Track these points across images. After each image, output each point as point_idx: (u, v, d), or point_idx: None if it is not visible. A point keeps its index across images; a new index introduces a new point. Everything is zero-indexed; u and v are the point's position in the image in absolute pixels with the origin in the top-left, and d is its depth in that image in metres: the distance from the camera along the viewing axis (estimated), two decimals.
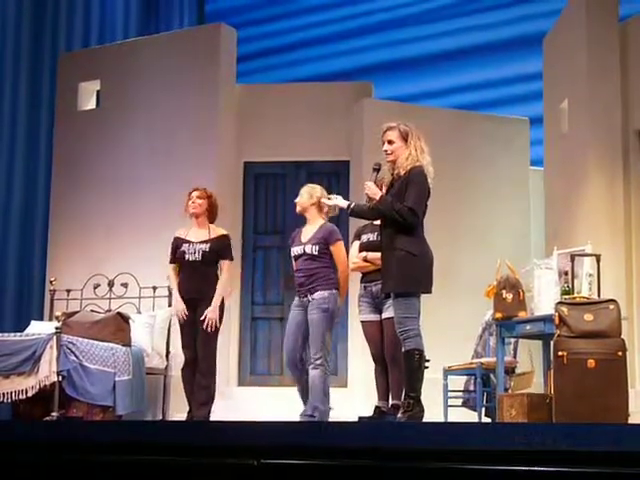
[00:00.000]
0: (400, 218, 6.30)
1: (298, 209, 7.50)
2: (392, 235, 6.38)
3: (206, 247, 7.77)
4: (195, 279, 7.73)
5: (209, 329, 7.58)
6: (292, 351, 7.32)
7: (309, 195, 7.47)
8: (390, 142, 6.49)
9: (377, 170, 6.57)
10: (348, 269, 7.39)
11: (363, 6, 13.83)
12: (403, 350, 6.39)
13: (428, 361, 6.75)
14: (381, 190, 6.52)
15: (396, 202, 6.32)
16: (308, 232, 7.43)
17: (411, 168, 6.38)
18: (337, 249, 7.35)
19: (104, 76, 10.70)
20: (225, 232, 8.01)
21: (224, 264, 7.90)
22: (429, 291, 6.47)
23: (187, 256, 7.76)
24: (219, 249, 7.86)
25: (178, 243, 7.87)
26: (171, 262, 7.93)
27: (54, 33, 11.75)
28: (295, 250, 7.40)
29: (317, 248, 7.29)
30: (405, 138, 6.47)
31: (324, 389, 7.18)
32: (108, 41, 12.17)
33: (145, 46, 10.75)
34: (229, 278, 7.99)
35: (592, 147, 8.93)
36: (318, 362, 7.19)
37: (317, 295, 7.22)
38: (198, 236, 7.87)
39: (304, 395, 7.27)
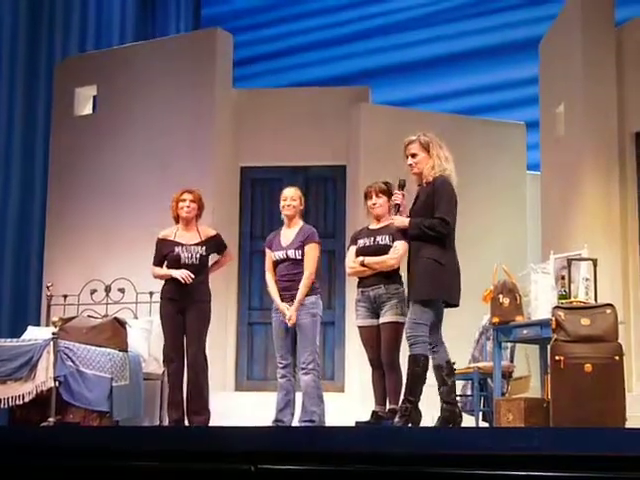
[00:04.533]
0: (434, 233, 6.33)
1: (291, 212, 7.52)
2: (419, 245, 6.40)
3: (202, 250, 7.81)
4: (189, 282, 7.71)
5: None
6: (287, 353, 7.33)
7: (301, 200, 7.55)
8: (413, 155, 6.53)
9: (403, 186, 6.65)
10: (313, 275, 7.37)
11: (360, 11, 13.85)
12: (409, 354, 6.37)
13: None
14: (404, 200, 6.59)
15: (425, 220, 6.35)
16: (289, 235, 7.48)
17: (436, 177, 6.42)
18: (309, 249, 7.38)
19: (100, 81, 10.69)
20: (213, 231, 8.07)
21: (226, 253, 8.12)
22: (456, 302, 6.49)
23: (182, 259, 7.76)
24: (216, 249, 7.98)
25: (166, 245, 7.86)
26: (156, 265, 7.91)
27: (50, 38, 11.76)
28: (277, 255, 7.43)
29: (300, 252, 7.35)
30: (427, 149, 6.51)
31: (318, 393, 7.19)
32: (104, 46, 12.18)
33: (141, 51, 10.75)
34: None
35: (588, 151, 8.93)
36: (310, 367, 7.20)
37: (305, 300, 7.26)
38: (189, 238, 7.86)
39: (286, 402, 7.27)
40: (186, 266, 7.74)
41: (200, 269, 7.79)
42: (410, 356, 6.37)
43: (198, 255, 7.78)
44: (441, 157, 6.50)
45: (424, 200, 6.45)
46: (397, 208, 6.60)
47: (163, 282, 7.90)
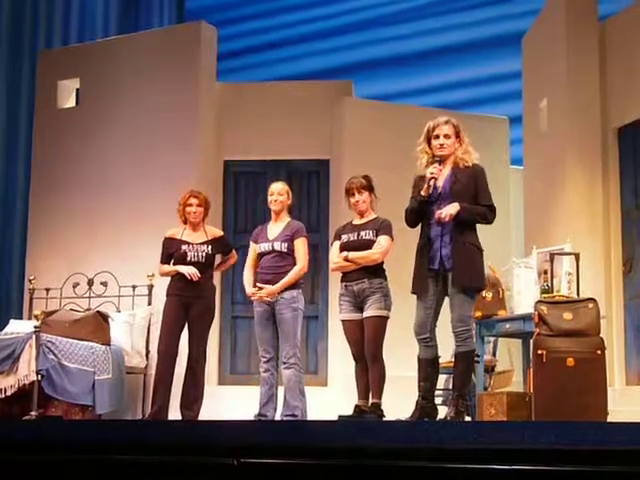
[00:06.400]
0: (484, 221, 6.40)
1: (278, 207, 7.53)
2: (460, 229, 6.32)
3: (208, 249, 7.88)
4: (195, 280, 7.72)
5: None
6: (270, 347, 7.34)
7: (288, 195, 7.55)
8: (447, 136, 6.42)
9: (440, 162, 6.42)
10: (306, 268, 7.45)
11: (344, 5, 13.86)
12: (462, 350, 6.32)
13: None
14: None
15: (474, 207, 6.32)
16: (275, 229, 7.52)
17: (475, 164, 6.43)
18: (298, 243, 7.44)
19: (84, 74, 10.65)
20: (220, 232, 8.25)
21: (231, 255, 8.17)
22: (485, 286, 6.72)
23: (189, 257, 7.78)
24: (221, 250, 8.08)
25: (173, 244, 7.87)
26: (163, 262, 7.93)
27: (33, 31, 11.70)
28: (263, 247, 7.45)
29: (286, 245, 7.38)
30: (457, 134, 6.46)
31: (300, 388, 7.20)
32: (88, 39, 12.13)
33: (125, 44, 10.71)
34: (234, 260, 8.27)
35: (571, 146, 8.96)
36: (292, 361, 7.22)
37: (287, 294, 7.30)
38: (195, 237, 7.90)
39: (269, 396, 7.27)
40: (192, 264, 7.77)
41: (206, 267, 7.85)
42: (465, 352, 6.32)
43: (204, 254, 7.83)
44: (470, 144, 6.49)
45: (466, 183, 6.37)
46: (434, 183, 6.33)
47: (169, 279, 7.92)
